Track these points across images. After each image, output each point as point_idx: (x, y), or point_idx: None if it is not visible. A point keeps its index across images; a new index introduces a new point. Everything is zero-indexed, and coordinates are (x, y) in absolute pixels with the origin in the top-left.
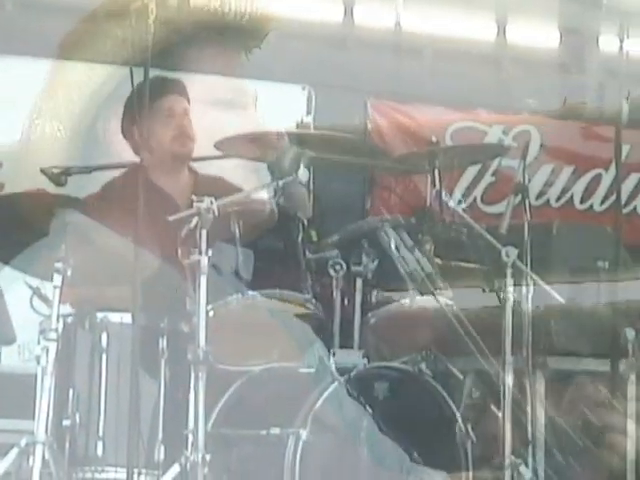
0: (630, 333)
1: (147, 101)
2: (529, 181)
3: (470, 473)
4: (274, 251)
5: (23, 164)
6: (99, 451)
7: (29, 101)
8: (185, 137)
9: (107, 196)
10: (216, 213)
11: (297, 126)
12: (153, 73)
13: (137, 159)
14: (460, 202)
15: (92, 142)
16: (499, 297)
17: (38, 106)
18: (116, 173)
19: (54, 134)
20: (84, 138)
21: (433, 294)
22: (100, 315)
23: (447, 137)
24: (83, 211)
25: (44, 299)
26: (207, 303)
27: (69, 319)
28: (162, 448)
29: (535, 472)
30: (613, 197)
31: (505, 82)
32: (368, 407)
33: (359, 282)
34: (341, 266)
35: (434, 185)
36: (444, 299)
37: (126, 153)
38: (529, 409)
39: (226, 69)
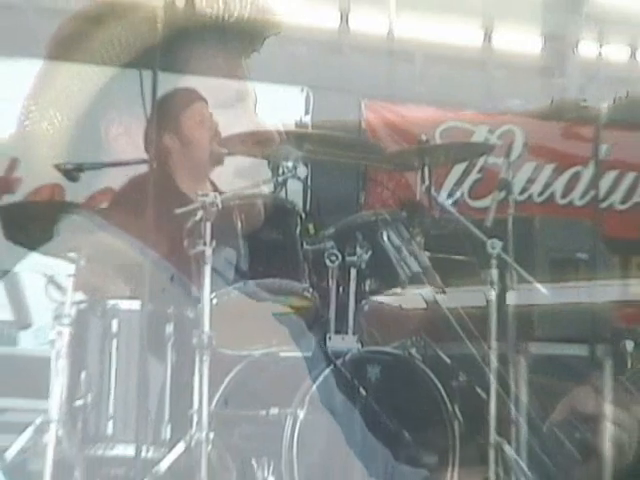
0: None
1: (180, 108)
2: (513, 177)
3: (457, 451)
4: (274, 242)
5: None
6: (109, 429)
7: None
8: (219, 137)
9: (124, 193)
10: (220, 206)
11: (296, 125)
12: (170, 81)
13: (159, 157)
14: (451, 196)
15: (93, 138)
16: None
17: (35, 95)
18: (134, 172)
19: (50, 125)
20: (84, 132)
21: (423, 283)
22: (111, 302)
23: (436, 136)
24: (97, 205)
25: (58, 287)
26: (211, 291)
27: (82, 306)
28: (168, 427)
29: (518, 450)
30: (592, 193)
31: (491, 85)
32: (361, 389)
33: (353, 272)
34: (336, 257)
35: (424, 181)
36: (434, 289)
37: (128, 152)
38: (513, 391)
39: (230, 72)
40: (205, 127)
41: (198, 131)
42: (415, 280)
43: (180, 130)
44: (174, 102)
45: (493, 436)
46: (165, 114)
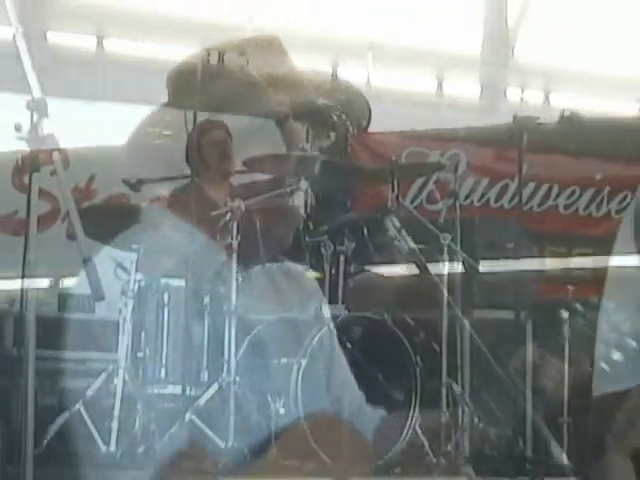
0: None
1: (201, 135)
2: (459, 188)
3: (418, 389)
4: None
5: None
6: (162, 374)
7: None
8: (226, 158)
9: (172, 199)
10: (243, 210)
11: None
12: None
13: (194, 174)
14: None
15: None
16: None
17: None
18: (178, 184)
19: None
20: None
21: (393, 265)
22: (163, 280)
23: (403, 157)
24: (152, 209)
25: (124, 269)
26: (237, 272)
27: (142, 283)
28: (206, 372)
29: (463, 388)
30: (517, 199)
31: (442, 120)
32: (348, 343)
33: (342, 258)
34: (329, 247)
35: (394, 190)
36: (401, 269)
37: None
38: (459, 345)
39: (251, 109)
40: (215, 150)
41: (210, 153)
42: (387, 262)
43: (200, 152)
44: (199, 130)
45: (445, 378)
46: (195, 139)
